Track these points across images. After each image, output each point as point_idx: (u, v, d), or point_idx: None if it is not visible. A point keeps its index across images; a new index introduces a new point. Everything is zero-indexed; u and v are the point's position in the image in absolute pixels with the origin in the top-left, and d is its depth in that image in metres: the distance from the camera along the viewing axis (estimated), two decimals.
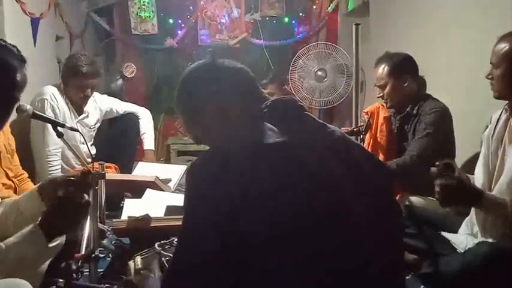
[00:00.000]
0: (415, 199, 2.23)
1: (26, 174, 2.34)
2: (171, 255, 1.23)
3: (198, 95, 1.10)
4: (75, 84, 2.83)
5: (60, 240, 1.68)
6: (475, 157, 1.89)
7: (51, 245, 1.25)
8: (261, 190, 0.86)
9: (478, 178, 1.75)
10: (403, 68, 2.42)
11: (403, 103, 2.43)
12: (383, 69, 2.43)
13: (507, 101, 1.69)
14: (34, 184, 2.42)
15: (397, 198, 2.25)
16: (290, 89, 4.05)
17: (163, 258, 1.32)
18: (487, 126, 1.81)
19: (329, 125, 1.04)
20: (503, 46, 1.63)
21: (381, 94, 2.47)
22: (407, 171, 2.25)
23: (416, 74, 2.45)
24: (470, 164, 2.23)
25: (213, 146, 1.03)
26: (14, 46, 1.76)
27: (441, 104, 2.35)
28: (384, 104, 2.54)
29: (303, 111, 1.06)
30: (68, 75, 2.83)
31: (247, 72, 1.15)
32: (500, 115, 1.74)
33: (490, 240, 1.66)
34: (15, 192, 2.19)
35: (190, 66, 1.19)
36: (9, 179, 2.11)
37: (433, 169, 1.59)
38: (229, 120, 1.06)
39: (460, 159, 2.34)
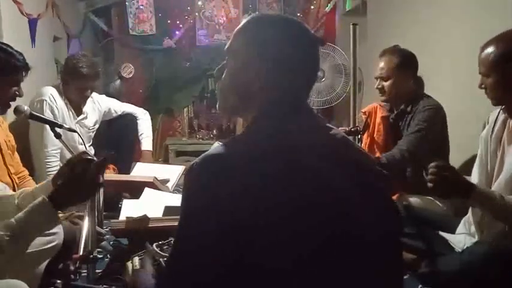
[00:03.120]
0: (413, 199, 2.23)
1: (26, 172, 2.33)
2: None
3: (252, 45, 1.00)
4: (76, 86, 2.82)
5: (58, 241, 1.68)
6: (471, 159, 1.89)
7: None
8: (260, 194, 0.85)
9: (474, 178, 1.75)
10: (409, 64, 2.41)
11: (400, 99, 2.43)
12: (390, 60, 2.40)
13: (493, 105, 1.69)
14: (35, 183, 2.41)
15: (395, 198, 2.25)
16: None
17: (160, 259, 1.32)
18: (484, 127, 1.81)
19: (332, 127, 1.04)
20: (489, 53, 1.62)
21: (381, 85, 2.44)
22: (396, 165, 2.26)
23: (417, 73, 2.45)
24: (466, 166, 2.24)
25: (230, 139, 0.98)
26: (20, 54, 1.81)
27: (435, 102, 2.35)
28: (381, 101, 2.53)
29: (311, 111, 1.05)
30: (68, 77, 2.83)
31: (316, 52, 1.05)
32: (497, 115, 1.73)
33: (487, 239, 1.67)
34: (14, 190, 2.18)
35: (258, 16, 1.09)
36: (10, 176, 2.11)
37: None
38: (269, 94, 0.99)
39: (456, 162, 2.34)
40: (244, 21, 1.05)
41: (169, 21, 4.66)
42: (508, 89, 1.61)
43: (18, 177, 2.23)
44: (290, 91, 1.00)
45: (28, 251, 1.56)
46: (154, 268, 1.20)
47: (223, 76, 1.06)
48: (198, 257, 0.85)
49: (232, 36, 1.05)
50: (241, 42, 1.03)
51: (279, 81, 0.99)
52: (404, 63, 2.40)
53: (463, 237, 1.77)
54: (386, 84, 2.41)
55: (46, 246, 1.63)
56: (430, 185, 1.54)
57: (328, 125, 1.04)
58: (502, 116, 1.71)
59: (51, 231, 1.66)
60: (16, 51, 1.93)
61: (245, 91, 1.01)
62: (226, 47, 1.06)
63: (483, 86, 1.68)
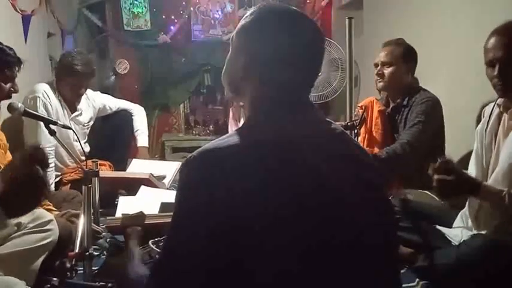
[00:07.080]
0: (410, 193, 2.23)
1: None
2: None
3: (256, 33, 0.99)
4: (70, 83, 2.80)
5: (53, 237, 1.68)
6: (467, 153, 1.89)
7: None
8: (257, 189, 0.84)
9: (471, 172, 1.75)
10: (412, 57, 2.45)
11: (397, 91, 2.44)
12: (395, 49, 2.44)
13: (499, 97, 1.68)
14: None
15: (393, 191, 2.25)
16: None
17: (156, 256, 1.32)
18: (479, 121, 1.81)
19: (331, 121, 1.03)
20: (500, 40, 1.59)
21: (381, 71, 2.46)
22: (398, 160, 2.26)
23: (415, 69, 2.47)
24: (463, 161, 2.24)
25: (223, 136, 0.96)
26: (10, 49, 1.77)
27: (432, 95, 2.37)
28: (378, 88, 2.53)
29: (312, 106, 1.05)
30: (63, 74, 2.80)
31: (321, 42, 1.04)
32: (492, 109, 1.73)
33: (483, 232, 1.67)
34: None
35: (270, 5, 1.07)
36: None
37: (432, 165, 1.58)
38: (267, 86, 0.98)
39: (452, 155, 2.34)
40: (251, 9, 1.05)
41: (164, 17, 4.63)
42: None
43: None
44: (286, 85, 0.99)
45: (22, 248, 1.54)
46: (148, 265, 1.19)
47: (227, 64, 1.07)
48: (192, 251, 0.84)
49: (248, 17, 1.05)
50: (238, 31, 1.04)
51: (270, 75, 0.98)
52: (408, 55, 2.44)
53: (459, 230, 1.77)
54: (387, 71, 2.44)
55: (40, 243, 1.62)
56: (436, 190, 1.55)
57: (327, 119, 1.03)
58: (496, 110, 1.71)
59: (45, 227, 1.66)
60: (6, 46, 1.91)
61: (232, 78, 1.04)
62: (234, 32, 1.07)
63: (495, 73, 1.62)
